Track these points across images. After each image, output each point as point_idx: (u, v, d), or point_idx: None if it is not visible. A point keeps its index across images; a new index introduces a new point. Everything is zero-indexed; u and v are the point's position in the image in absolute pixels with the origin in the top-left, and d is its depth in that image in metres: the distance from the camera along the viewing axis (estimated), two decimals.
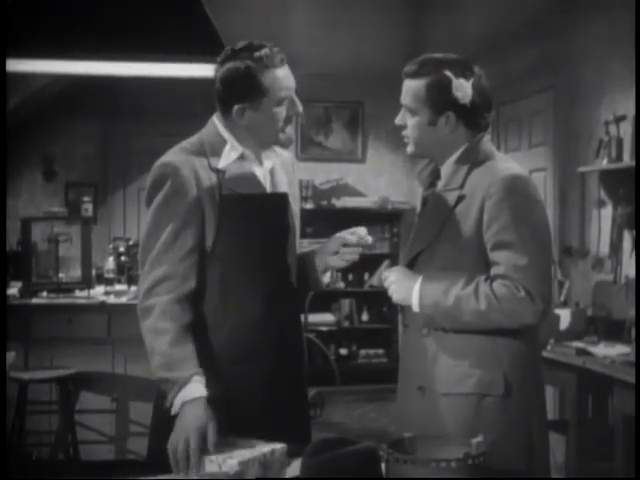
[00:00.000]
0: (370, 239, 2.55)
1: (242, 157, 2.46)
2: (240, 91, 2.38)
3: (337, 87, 8.37)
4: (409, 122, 2.46)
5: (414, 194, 8.23)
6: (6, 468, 4.07)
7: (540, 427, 2.44)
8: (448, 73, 2.39)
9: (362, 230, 2.56)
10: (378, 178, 8.56)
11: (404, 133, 2.49)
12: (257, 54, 2.36)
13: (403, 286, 2.41)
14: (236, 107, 2.40)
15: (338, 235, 2.57)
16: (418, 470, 1.81)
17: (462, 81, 2.39)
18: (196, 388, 2.24)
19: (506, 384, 2.34)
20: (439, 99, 2.40)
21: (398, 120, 2.49)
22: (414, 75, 2.43)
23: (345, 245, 2.54)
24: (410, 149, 2.50)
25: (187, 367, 2.26)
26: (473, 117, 2.43)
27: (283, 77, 2.40)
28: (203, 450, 2.15)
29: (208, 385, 2.27)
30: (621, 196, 4.97)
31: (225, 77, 2.39)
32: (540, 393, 2.47)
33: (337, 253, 2.55)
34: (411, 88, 2.44)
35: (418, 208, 2.65)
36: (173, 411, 2.25)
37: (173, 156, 2.42)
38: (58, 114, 8.11)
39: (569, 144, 5.67)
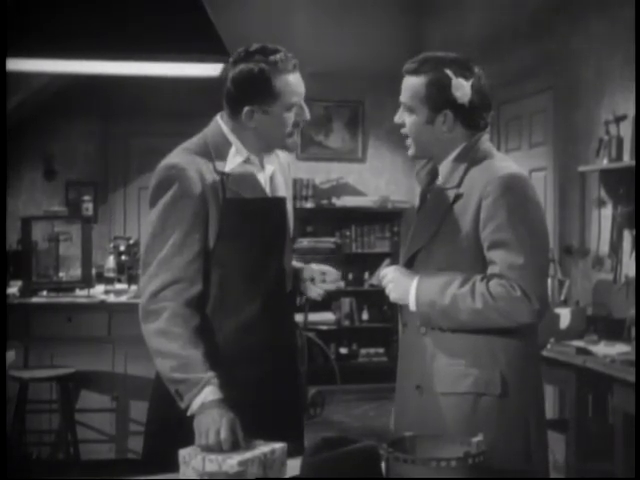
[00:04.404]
0: (334, 286, 2.64)
1: (246, 161, 2.47)
2: (252, 93, 2.39)
3: (337, 86, 8.37)
4: (407, 120, 2.47)
5: (414, 193, 8.23)
6: (6, 468, 4.07)
7: (538, 427, 2.44)
8: (448, 72, 2.40)
9: (332, 273, 2.62)
10: (378, 177, 8.56)
11: (403, 131, 2.49)
12: (272, 58, 2.38)
13: (400, 285, 2.42)
14: (246, 109, 2.40)
15: (310, 268, 2.63)
16: (418, 469, 1.82)
17: (461, 81, 2.40)
18: (215, 390, 2.27)
19: (503, 384, 2.35)
20: (437, 97, 2.40)
21: (397, 118, 2.49)
22: (414, 72, 2.44)
23: (313, 279, 2.61)
24: (411, 151, 2.51)
25: (204, 369, 2.29)
26: (471, 117, 2.44)
27: (295, 83, 2.42)
28: (234, 444, 2.18)
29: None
30: (621, 195, 4.96)
31: (238, 78, 2.40)
32: (538, 393, 2.47)
33: (312, 280, 2.61)
34: (410, 85, 2.44)
35: (417, 207, 2.65)
36: (190, 412, 2.27)
37: (179, 158, 2.42)
38: (58, 113, 8.10)
39: (569, 144, 5.67)
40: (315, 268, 2.62)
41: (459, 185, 2.40)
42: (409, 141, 2.49)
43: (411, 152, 2.51)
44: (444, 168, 2.47)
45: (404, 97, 2.46)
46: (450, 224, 2.38)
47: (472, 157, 2.43)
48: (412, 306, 2.40)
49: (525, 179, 2.39)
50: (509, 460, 2.32)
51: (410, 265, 2.48)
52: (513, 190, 2.33)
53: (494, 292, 2.28)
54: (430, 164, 2.56)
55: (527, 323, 2.34)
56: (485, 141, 2.48)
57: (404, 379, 2.52)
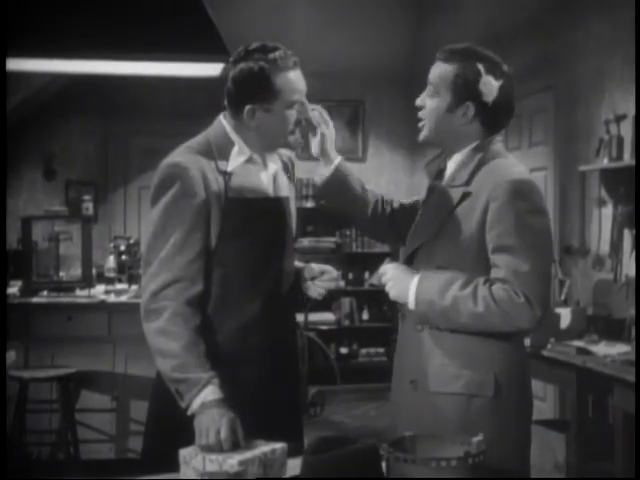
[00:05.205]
0: (333, 284, 2.61)
1: (249, 160, 2.47)
2: (252, 92, 2.39)
3: (338, 86, 8.37)
4: (428, 103, 2.46)
5: (414, 193, 8.22)
6: (6, 468, 4.07)
7: (527, 430, 2.45)
8: (479, 67, 2.40)
9: (332, 272, 2.61)
10: (378, 177, 8.56)
11: (420, 114, 2.48)
12: (271, 56, 2.37)
13: (400, 283, 2.41)
14: (247, 107, 2.40)
15: (310, 267, 2.62)
16: (419, 469, 1.82)
17: (490, 79, 2.40)
18: (215, 389, 2.27)
19: (497, 386, 2.35)
20: (464, 88, 2.40)
21: (418, 101, 2.48)
22: (446, 59, 2.43)
23: (313, 278, 2.60)
24: (423, 134, 2.49)
25: (204, 369, 2.29)
26: (491, 116, 2.44)
27: (295, 80, 2.41)
28: (234, 443, 2.19)
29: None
30: (621, 195, 4.96)
31: (238, 77, 2.40)
32: (528, 396, 2.48)
33: (313, 279, 2.60)
34: (440, 69, 2.44)
35: (421, 199, 2.64)
36: (190, 412, 2.27)
37: (181, 156, 2.41)
38: (58, 113, 8.11)
39: (569, 143, 5.67)
40: (315, 267, 2.62)
41: (467, 183, 2.40)
42: (422, 123, 2.48)
43: (423, 135, 2.49)
44: (453, 163, 2.47)
45: (431, 78, 2.45)
46: (455, 223, 2.37)
47: (483, 156, 2.42)
48: (411, 305, 2.39)
49: (534, 185, 2.38)
50: (502, 462, 2.32)
51: (411, 261, 2.47)
52: (522, 196, 2.32)
53: (497, 296, 2.27)
54: (440, 158, 2.55)
55: (527, 329, 2.34)
56: (497, 142, 2.47)
57: (400, 373, 2.52)
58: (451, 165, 2.48)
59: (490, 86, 2.40)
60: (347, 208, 2.72)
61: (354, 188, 2.66)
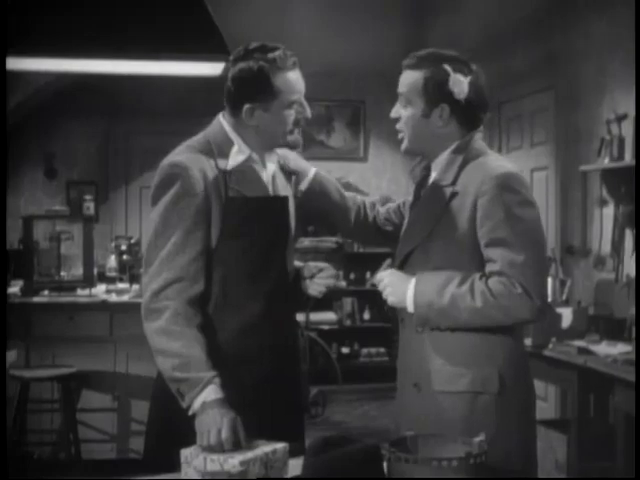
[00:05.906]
0: (332, 281, 2.63)
1: (248, 159, 2.47)
2: (251, 91, 2.39)
3: (339, 86, 8.37)
4: (403, 114, 2.47)
5: None
6: (7, 468, 4.06)
7: (531, 425, 2.45)
8: (447, 67, 2.41)
9: (329, 269, 2.62)
10: (380, 177, 8.56)
11: (398, 127, 2.49)
12: (270, 55, 2.38)
13: (397, 288, 2.42)
14: (246, 107, 2.40)
15: (309, 265, 2.64)
16: (420, 469, 1.81)
17: (459, 77, 2.41)
18: (217, 389, 2.27)
19: (501, 382, 2.35)
20: (435, 92, 2.41)
21: (393, 113, 2.50)
22: (413, 67, 2.45)
23: (312, 276, 2.61)
24: (404, 145, 2.51)
25: (205, 368, 2.29)
26: (467, 114, 2.44)
27: (295, 80, 2.42)
28: (235, 443, 2.19)
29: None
30: (623, 195, 4.96)
31: (237, 76, 2.40)
32: (531, 390, 2.48)
33: (312, 277, 2.61)
34: (409, 78, 2.46)
35: (409, 202, 2.64)
36: (191, 411, 2.27)
37: (182, 156, 2.41)
38: (59, 112, 8.11)
39: (571, 143, 5.67)
40: (312, 265, 2.63)
41: (454, 182, 2.41)
42: (402, 135, 2.49)
43: (404, 146, 2.51)
44: (438, 164, 2.48)
45: (402, 89, 2.47)
46: (446, 222, 2.38)
47: (466, 155, 2.43)
48: (410, 308, 2.39)
49: (520, 177, 2.40)
50: (508, 458, 2.32)
51: (405, 262, 2.47)
52: (509, 188, 2.33)
53: (494, 290, 2.28)
54: (424, 162, 2.56)
55: (528, 320, 2.34)
56: (478, 139, 2.48)
57: (403, 376, 2.53)
58: (435, 168, 2.49)
59: (460, 83, 2.41)
60: (329, 218, 2.78)
61: (333, 198, 2.71)
